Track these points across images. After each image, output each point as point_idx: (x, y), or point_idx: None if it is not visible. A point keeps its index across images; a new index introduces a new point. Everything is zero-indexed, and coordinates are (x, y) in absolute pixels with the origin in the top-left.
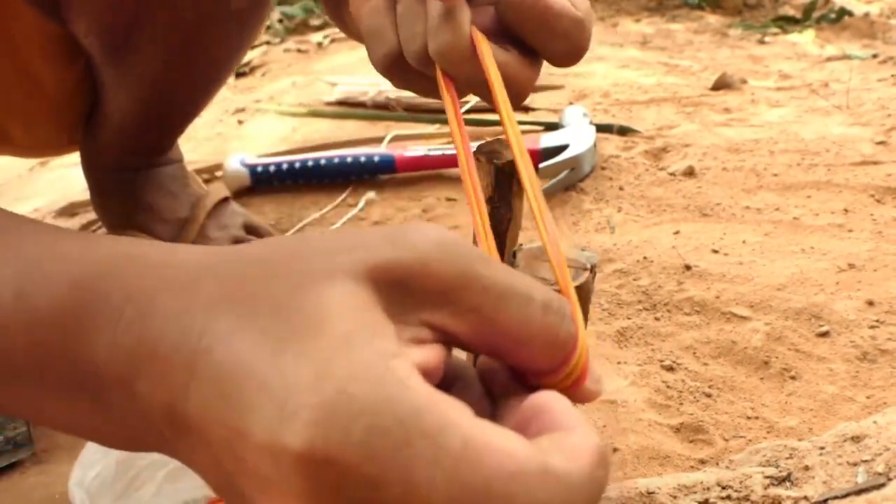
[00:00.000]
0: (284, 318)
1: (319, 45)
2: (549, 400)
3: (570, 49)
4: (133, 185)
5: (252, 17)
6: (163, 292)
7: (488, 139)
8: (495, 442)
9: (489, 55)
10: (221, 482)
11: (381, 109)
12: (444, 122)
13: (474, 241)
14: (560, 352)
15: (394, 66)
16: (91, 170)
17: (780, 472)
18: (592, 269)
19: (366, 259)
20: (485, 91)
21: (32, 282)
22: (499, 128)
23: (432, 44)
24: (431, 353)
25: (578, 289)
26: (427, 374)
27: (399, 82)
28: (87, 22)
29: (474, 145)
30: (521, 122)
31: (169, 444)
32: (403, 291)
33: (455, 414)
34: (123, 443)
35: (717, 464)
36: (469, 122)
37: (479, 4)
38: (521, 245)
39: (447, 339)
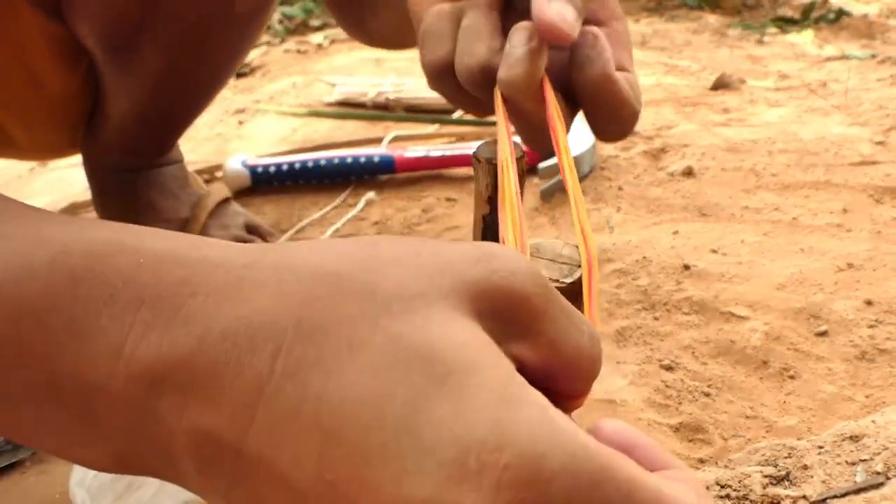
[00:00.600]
0: (406, 357)
1: (319, 45)
2: (630, 434)
3: (620, 134)
4: (134, 186)
5: (254, 20)
6: (197, 297)
7: (487, 140)
8: (675, 496)
9: (555, 103)
10: None
11: (380, 110)
12: (444, 122)
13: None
14: (594, 378)
15: (441, 73)
16: (92, 170)
17: (779, 471)
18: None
19: (469, 284)
20: (531, 129)
21: (16, 269)
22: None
23: (506, 71)
24: None
25: (572, 285)
26: None
27: (439, 87)
28: (90, 24)
29: (474, 146)
30: None
31: (180, 472)
32: (497, 319)
33: (634, 469)
34: (108, 462)
35: (717, 463)
36: (469, 123)
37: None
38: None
39: (519, 369)
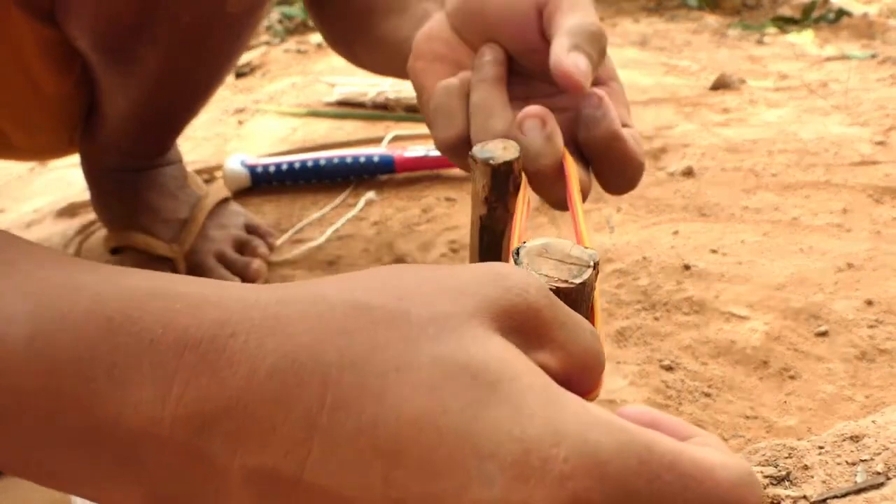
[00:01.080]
0: (453, 373)
1: (319, 45)
2: (653, 413)
3: (625, 187)
4: (133, 186)
5: (248, 20)
6: (238, 338)
7: (484, 141)
8: (709, 458)
9: (576, 179)
10: None
11: (380, 110)
12: None
13: (481, 241)
14: (602, 370)
15: (456, 149)
16: (90, 171)
17: (779, 471)
18: (595, 267)
19: (490, 303)
20: (551, 197)
21: (50, 320)
22: None
23: (533, 164)
24: None
25: (581, 286)
26: None
27: (455, 160)
28: (82, 29)
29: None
30: None
31: None
32: (518, 333)
33: (670, 442)
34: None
35: None
36: None
37: (555, 108)
38: (525, 243)
39: None
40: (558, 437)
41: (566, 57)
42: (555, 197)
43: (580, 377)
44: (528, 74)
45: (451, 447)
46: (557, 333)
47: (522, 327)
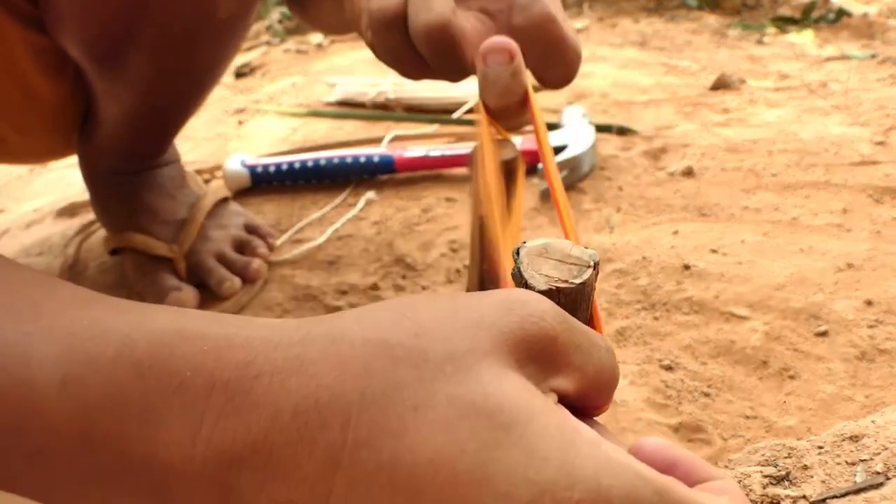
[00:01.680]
0: (468, 413)
1: (319, 45)
2: (671, 451)
3: (564, 78)
4: (131, 188)
5: (239, 23)
6: (262, 379)
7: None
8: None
9: (541, 119)
10: None
11: (380, 110)
12: (444, 122)
13: (481, 241)
14: (616, 386)
15: (391, 25)
16: (88, 173)
17: (779, 471)
18: (595, 267)
19: (506, 336)
20: (510, 127)
21: (81, 363)
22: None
23: (500, 100)
24: None
25: (581, 286)
26: None
27: (382, 40)
28: (73, 36)
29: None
30: None
31: None
32: (535, 362)
33: (683, 490)
34: None
35: (716, 463)
36: (469, 123)
37: (492, 12)
38: (525, 243)
39: (560, 400)
40: (572, 479)
41: None
42: (514, 125)
43: (597, 395)
44: None
45: (467, 487)
46: (573, 357)
47: (539, 356)
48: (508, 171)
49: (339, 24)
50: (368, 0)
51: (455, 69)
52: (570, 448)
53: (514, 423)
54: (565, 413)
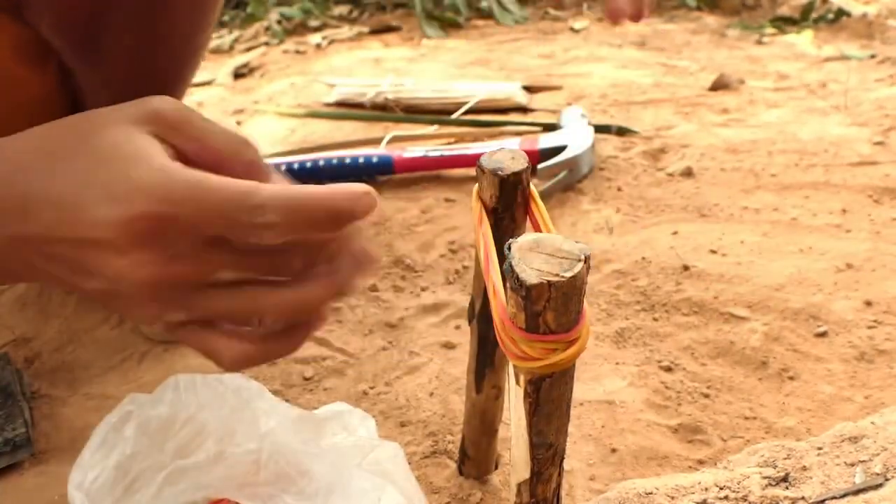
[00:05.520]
0: (88, 152)
1: (318, 46)
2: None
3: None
4: None
5: None
6: None
7: (486, 140)
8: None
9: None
10: (66, 268)
11: (379, 110)
12: (443, 122)
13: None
14: (248, 160)
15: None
16: None
17: (778, 472)
18: (586, 261)
19: (144, 108)
20: None
21: None
22: (495, 129)
23: None
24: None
25: (572, 279)
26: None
27: None
28: (48, 21)
29: (473, 146)
30: (519, 123)
31: (28, 263)
32: (164, 126)
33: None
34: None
35: (716, 464)
36: (468, 123)
37: None
38: (517, 238)
39: (182, 158)
40: (133, 174)
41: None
42: None
43: (229, 163)
44: None
45: (77, 192)
46: (189, 127)
47: (160, 124)
48: (513, 184)
49: None
50: None
51: None
52: (135, 160)
53: (110, 158)
54: (152, 146)
